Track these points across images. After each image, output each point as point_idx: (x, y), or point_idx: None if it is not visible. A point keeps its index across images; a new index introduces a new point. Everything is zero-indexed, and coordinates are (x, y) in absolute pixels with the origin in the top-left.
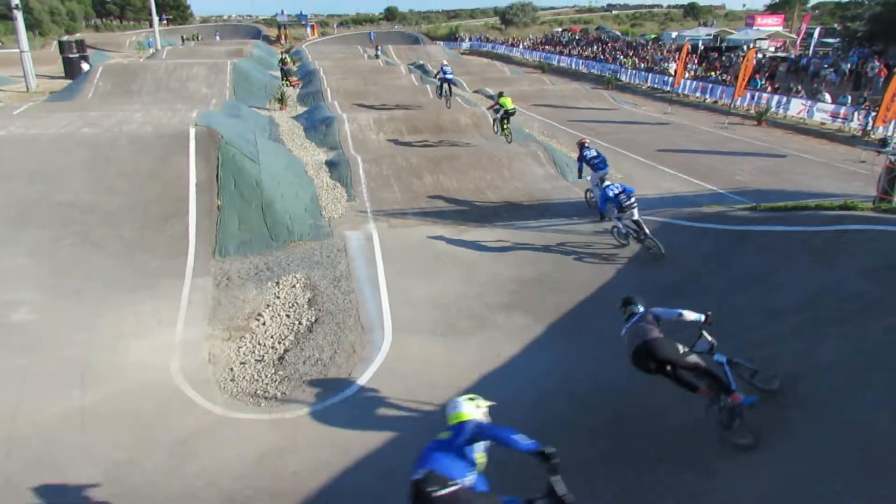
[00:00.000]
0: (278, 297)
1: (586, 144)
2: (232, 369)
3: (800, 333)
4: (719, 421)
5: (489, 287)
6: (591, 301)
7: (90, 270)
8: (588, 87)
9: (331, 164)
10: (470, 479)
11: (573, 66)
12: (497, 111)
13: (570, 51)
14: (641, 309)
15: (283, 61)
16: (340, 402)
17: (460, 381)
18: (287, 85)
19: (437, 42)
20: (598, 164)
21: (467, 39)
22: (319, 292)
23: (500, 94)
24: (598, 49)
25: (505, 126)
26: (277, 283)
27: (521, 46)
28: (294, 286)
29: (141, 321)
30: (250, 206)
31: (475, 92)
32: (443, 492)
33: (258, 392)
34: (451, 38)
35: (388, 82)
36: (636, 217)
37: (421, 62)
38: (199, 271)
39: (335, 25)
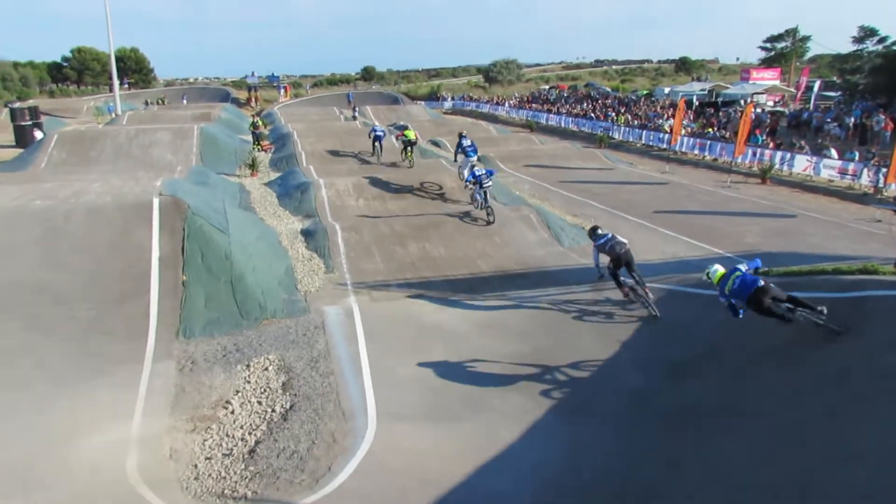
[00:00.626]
0: (249, 382)
1: (464, 135)
2: (196, 466)
3: (831, 415)
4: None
5: (481, 363)
6: (596, 378)
7: (39, 358)
8: (579, 145)
9: (307, 234)
10: None
11: (563, 125)
12: (403, 141)
13: (558, 108)
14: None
15: (254, 125)
16: (320, 501)
17: (454, 472)
18: (258, 150)
19: (418, 102)
20: (470, 152)
21: (450, 98)
22: (295, 375)
23: (406, 128)
24: (588, 106)
25: (409, 154)
26: (248, 365)
27: (506, 105)
28: (266, 369)
29: (95, 414)
30: (219, 281)
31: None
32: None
33: (225, 491)
34: (433, 97)
35: (366, 145)
36: (488, 188)
37: (402, 123)
38: (161, 355)
39: (308, 87)
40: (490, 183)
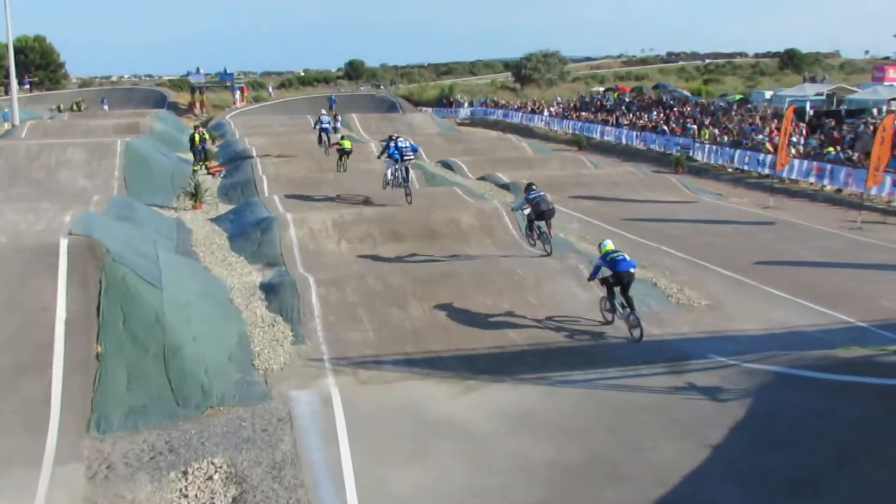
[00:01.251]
0: (186, 496)
1: (395, 136)
2: None
3: None
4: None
5: (513, 476)
6: (678, 498)
7: None
8: (647, 169)
9: (269, 289)
10: None
11: (623, 141)
12: (338, 149)
13: (617, 119)
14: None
15: (196, 139)
16: None
17: None
18: (203, 172)
19: (423, 108)
20: (395, 156)
21: (466, 104)
22: (250, 487)
23: (343, 139)
24: (659, 116)
25: (343, 161)
26: (185, 472)
27: (545, 113)
28: (211, 478)
29: None
30: (146, 354)
31: (481, 179)
32: None
33: None
34: (444, 102)
35: (351, 167)
36: (409, 161)
37: (401, 138)
38: (66, 455)
39: (272, 87)
40: (412, 157)
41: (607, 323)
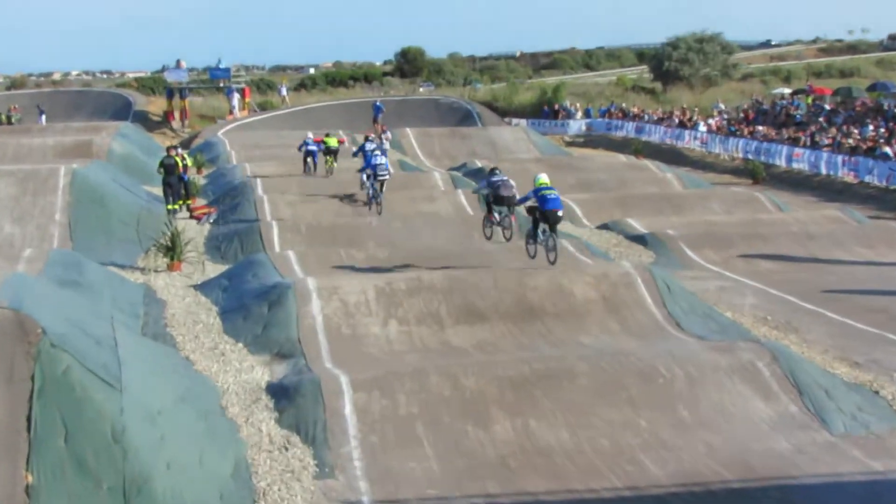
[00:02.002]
0: None
1: (371, 138)
2: None
3: None
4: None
5: None
6: None
7: None
8: (861, 214)
9: (280, 393)
10: None
11: (823, 170)
12: (323, 149)
13: (812, 136)
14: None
15: (168, 166)
16: None
17: None
18: (184, 213)
19: (514, 120)
20: (370, 158)
21: (580, 113)
22: None
23: (328, 134)
24: (878, 132)
25: (329, 161)
26: None
27: (700, 128)
28: None
29: None
30: (98, 489)
31: (603, 228)
32: None
33: None
34: (545, 110)
35: (406, 209)
36: (384, 179)
37: (479, 165)
38: None
39: (285, 89)
40: (387, 175)
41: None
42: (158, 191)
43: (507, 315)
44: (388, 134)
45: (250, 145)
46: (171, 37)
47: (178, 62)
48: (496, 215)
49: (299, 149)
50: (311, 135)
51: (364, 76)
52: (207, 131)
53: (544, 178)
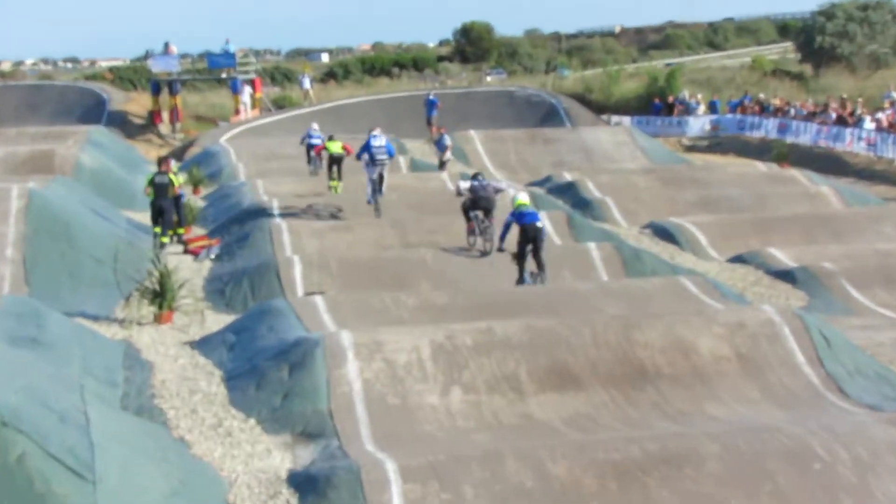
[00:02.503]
0: None
1: (375, 133)
2: None
3: None
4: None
5: None
6: None
7: None
8: None
9: (305, 485)
10: None
11: None
12: (329, 157)
13: None
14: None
15: (159, 186)
16: None
17: None
18: (175, 245)
19: (612, 118)
20: (368, 140)
21: (702, 108)
22: None
23: (331, 137)
24: None
25: (335, 178)
26: None
27: (866, 124)
28: None
29: None
30: None
31: (735, 261)
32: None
33: None
34: (656, 104)
35: (463, 239)
36: (382, 165)
37: (569, 178)
38: None
39: (308, 80)
40: (386, 160)
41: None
42: (142, 217)
43: (610, 379)
44: (448, 140)
45: (263, 155)
46: (157, 14)
47: (166, 46)
48: (475, 221)
49: (301, 142)
50: (315, 125)
51: (413, 62)
52: (206, 137)
53: (524, 199)
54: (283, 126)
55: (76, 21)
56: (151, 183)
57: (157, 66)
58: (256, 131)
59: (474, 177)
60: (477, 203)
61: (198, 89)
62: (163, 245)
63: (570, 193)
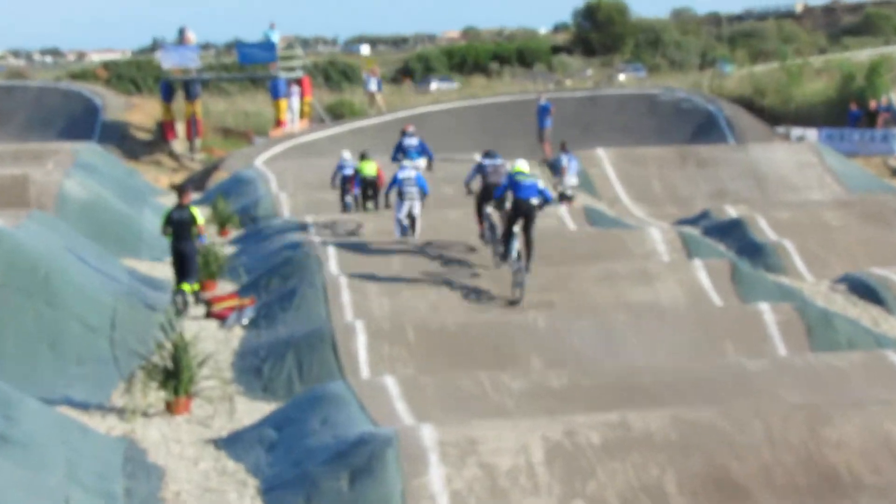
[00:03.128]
0: None
1: (410, 132)
2: None
3: None
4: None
5: None
6: None
7: None
8: None
9: None
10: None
11: None
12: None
13: None
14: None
15: (179, 223)
16: None
17: None
18: (194, 306)
19: (792, 130)
20: (412, 153)
21: None
22: None
23: (363, 156)
24: None
25: (365, 203)
26: None
27: None
28: None
29: None
30: None
31: None
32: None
33: None
34: (855, 109)
35: (598, 296)
36: (412, 201)
37: (733, 214)
38: None
39: (374, 82)
40: (415, 193)
41: (502, 259)
42: (149, 267)
43: (790, 490)
44: (568, 160)
45: (314, 183)
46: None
47: (181, 34)
48: (487, 221)
49: (333, 180)
50: (347, 154)
51: (518, 55)
52: (236, 159)
53: (522, 165)
54: (342, 142)
55: (61, 4)
56: (169, 220)
57: (169, 61)
58: (305, 149)
59: (486, 154)
60: (490, 193)
61: (225, 92)
62: (185, 304)
63: (734, 235)
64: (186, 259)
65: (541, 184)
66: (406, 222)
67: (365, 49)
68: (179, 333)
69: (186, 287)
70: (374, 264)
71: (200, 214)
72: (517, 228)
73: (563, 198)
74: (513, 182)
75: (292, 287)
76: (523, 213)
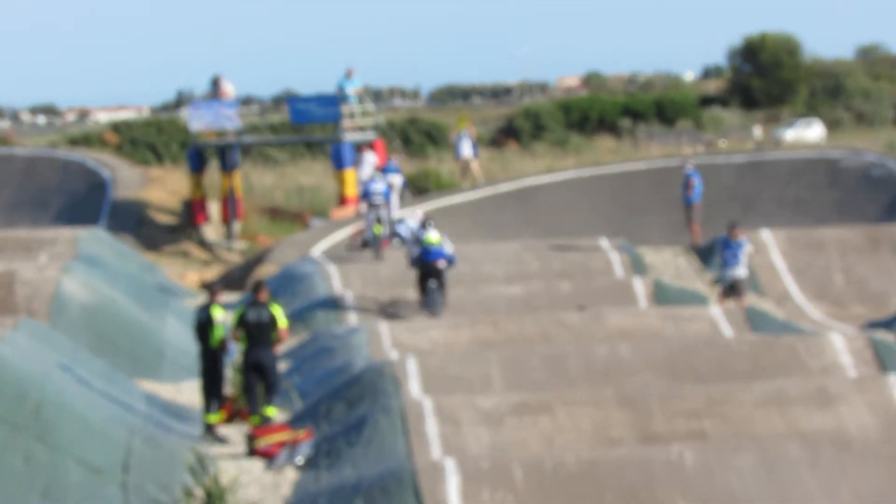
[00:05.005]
0: None
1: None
2: None
3: None
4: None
5: None
6: None
7: None
8: None
9: None
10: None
11: None
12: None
13: None
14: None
15: (206, 326)
16: None
17: None
18: (235, 436)
19: None
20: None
21: None
22: None
23: (425, 225)
24: None
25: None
26: None
27: None
28: None
29: None
30: None
31: None
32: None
33: None
34: None
35: (763, 423)
36: (382, 213)
37: None
38: None
39: (465, 142)
40: (382, 202)
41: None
42: (170, 390)
43: None
44: (748, 244)
45: (391, 279)
46: (198, 33)
47: (215, 85)
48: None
49: (361, 204)
50: (371, 156)
51: (657, 107)
52: (287, 248)
53: (433, 237)
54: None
55: (59, 47)
56: (242, 322)
57: (199, 121)
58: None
59: (424, 225)
60: (426, 270)
61: (273, 161)
62: (213, 435)
63: None
64: (267, 372)
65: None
66: (433, 288)
67: (529, 94)
68: (214, 477)
69: (271, 411)
70: (467, 382)
71: (283, 315)
72: (431, 285)
73: (730, 290)
74: (424, 251)
75: (361, 415)
76: (432, 274)
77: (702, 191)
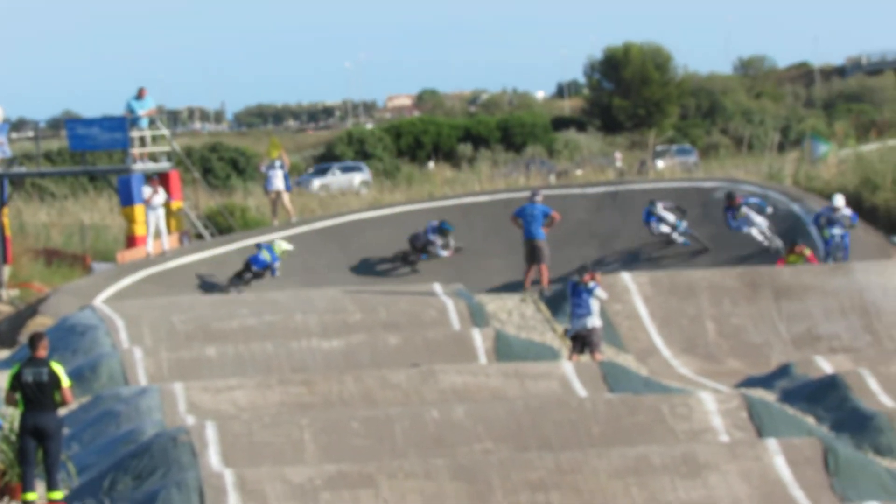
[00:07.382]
0: None
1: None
2: None
3: None
4: None
5: None
6: None
7: None
8: None
9: None
10: None
11: None
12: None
13: None
14: None
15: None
16: None
17: None
18: None
19: None
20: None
21: None
22: None
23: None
24: None
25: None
26: None
27: None
28: None
29: None
30: None
31: None
32: None
33: None
34: None
35: (625, 492)
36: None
37: (830, 371)
38: None
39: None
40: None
41: None
42: None
43: None
44: (600, 289)
45: (187, 331)
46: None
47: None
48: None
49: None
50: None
51: (502, 131)
52: (65, 297)
53: None
54: (230, 266)
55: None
56: (17, 383)
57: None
58: (173, 280)
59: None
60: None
61: (49, 195)
62: None
63: (829, 400)
64: (50, 439)
65: None
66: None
67: (354, 118)
68: None
69: (57, 495)
70: (276, 450)
71: (65, 374)
72: None
73: (581, 344)
74: None
75: (152, 491)
76: None
77: (552, 224)
